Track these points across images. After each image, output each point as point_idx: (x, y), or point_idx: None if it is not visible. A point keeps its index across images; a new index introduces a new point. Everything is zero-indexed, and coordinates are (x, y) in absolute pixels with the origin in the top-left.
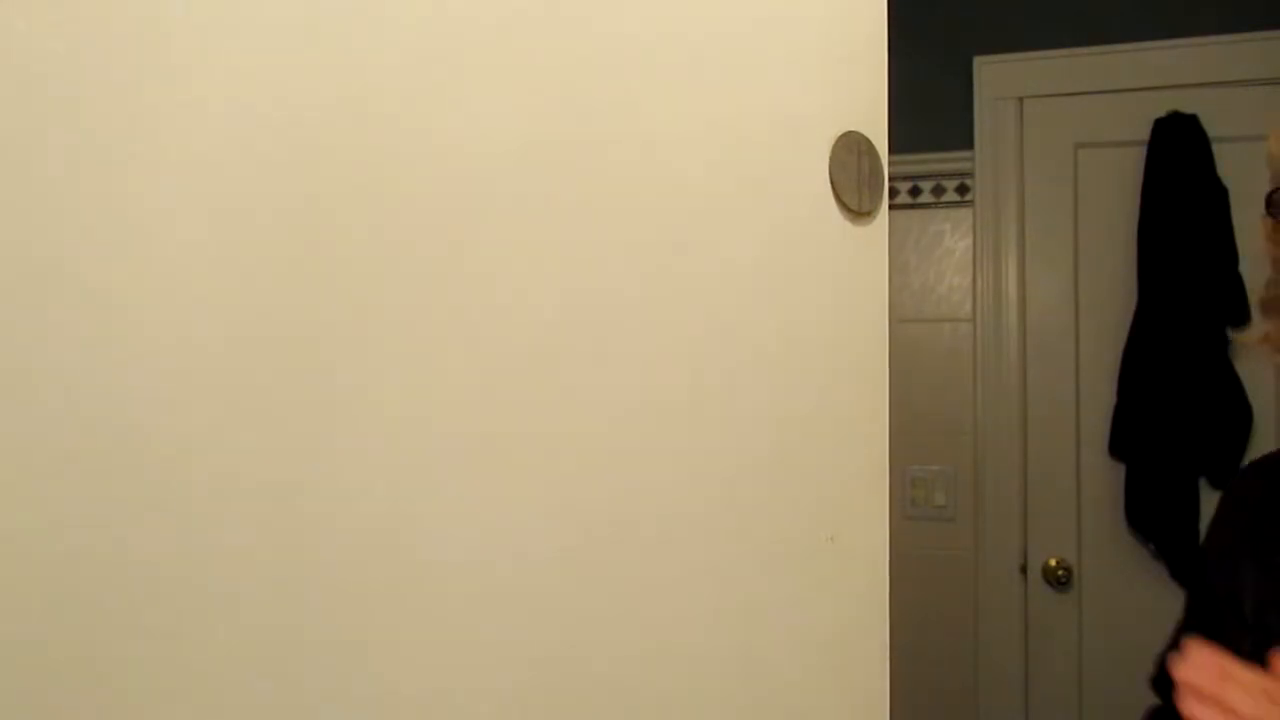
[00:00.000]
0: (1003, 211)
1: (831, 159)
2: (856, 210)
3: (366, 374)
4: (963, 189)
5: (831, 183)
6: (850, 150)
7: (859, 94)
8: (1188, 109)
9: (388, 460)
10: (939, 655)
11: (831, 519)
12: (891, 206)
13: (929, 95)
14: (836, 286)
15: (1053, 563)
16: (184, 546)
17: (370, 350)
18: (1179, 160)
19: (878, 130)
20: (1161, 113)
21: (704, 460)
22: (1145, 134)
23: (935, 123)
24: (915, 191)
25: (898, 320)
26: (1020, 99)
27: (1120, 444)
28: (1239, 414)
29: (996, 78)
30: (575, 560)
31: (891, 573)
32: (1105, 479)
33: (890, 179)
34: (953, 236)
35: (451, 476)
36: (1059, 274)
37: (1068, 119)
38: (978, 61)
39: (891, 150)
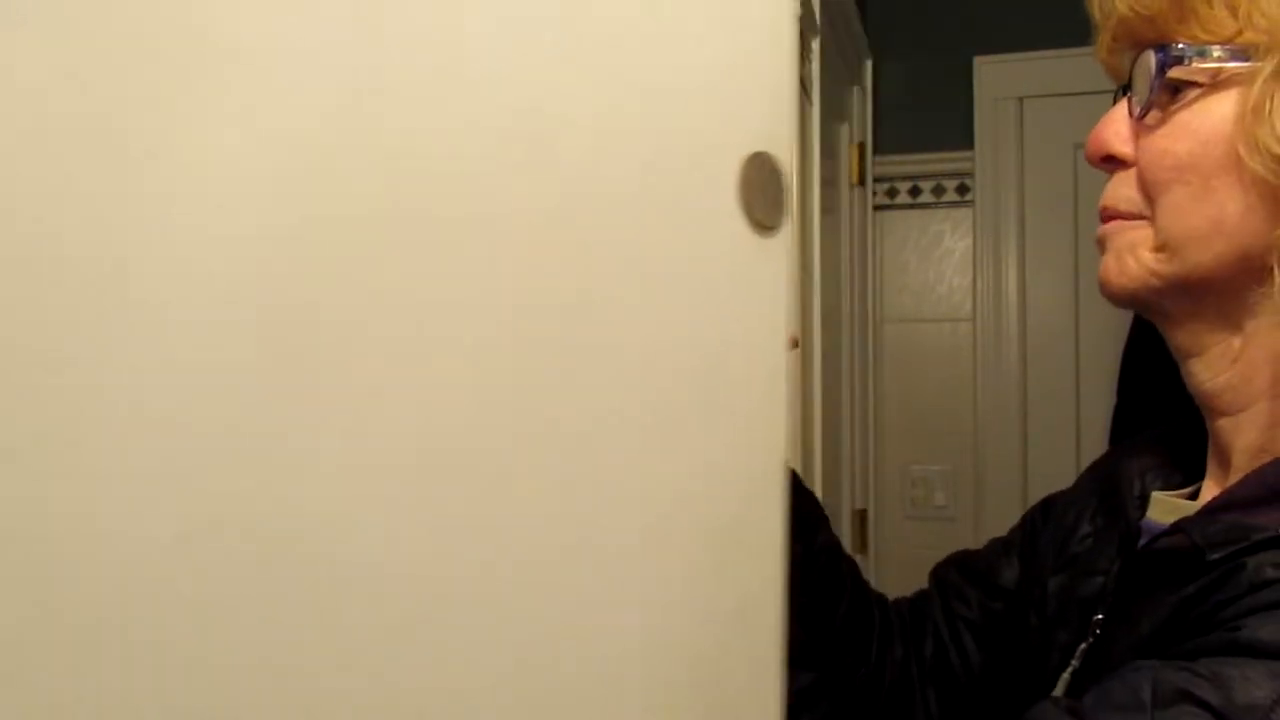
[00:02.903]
0: (1003, 211)
1: (740, 178)
2: (763, 224)
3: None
4: (963, 189)
5: (740, 200)
6: (758, 169)
7: (765, 121)
8: None
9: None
10: None
11: (732, 515)
12: (891, 207)
13: (929, 95)
14: (746, 294)
15: None
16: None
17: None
18: None
19: (782, 151)
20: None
21: (607, 471)
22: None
23: (935, 123)
24: (915, 191)
25: (898, 320)
26: (1020, 99)
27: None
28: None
29: (996, 78)
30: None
31: (891, 572)
32: None
33: (890, 179)
34: (953, 236)
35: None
36: (1059, 274)
37: (1068, 119)
38: (978, 61)
39: (891, 150)
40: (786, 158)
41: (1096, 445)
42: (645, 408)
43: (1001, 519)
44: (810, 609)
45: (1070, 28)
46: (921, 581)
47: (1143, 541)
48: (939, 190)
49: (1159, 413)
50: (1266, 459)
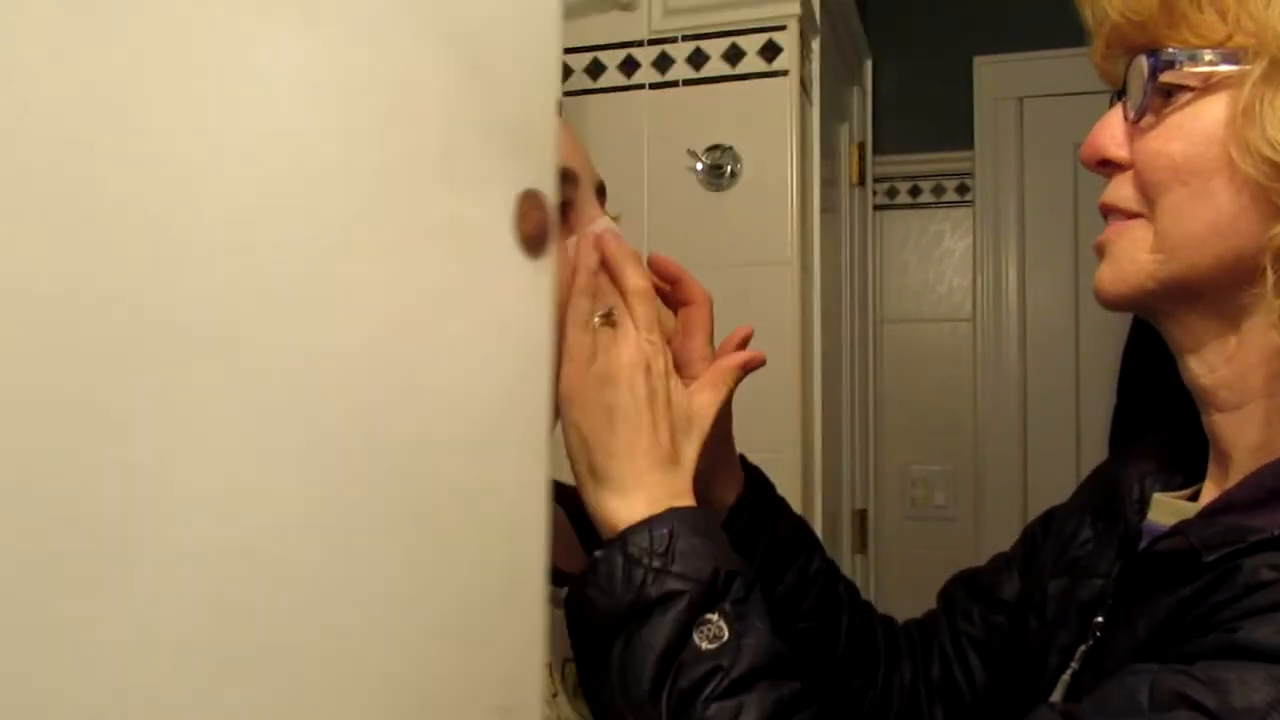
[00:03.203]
0: (1003, 211)
1: (516, 212)
2: (533, 253)
3: None
4: (963, 189)
5: (516, 231)
6: (530, 204)
7: (535, 163)
8: None
9: None
10: None
11: (503, 517)
12: (891, 207)
13: (929, 95)
14: (516, 310)
15: None
16: None
17: None
18: None
19: (549, 187)
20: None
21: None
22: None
23: (935, 123)
24: (915, 191)
25: (898, 320)
26: (1020, 99)
27: (1120, 444)
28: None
29: (996, 78)
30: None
31: (891, 573)
32: None
33: (890, 179)
34: (953, 236)
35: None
36: (1059, 274)
37: (1068, 119)
38: (978, 61)
39: (891, 150)
40: (553, 191)
41: (1096, 445)
42: (421, 411)
43: (1001, 519)
44: (809, 635)
45: (1070, 28)
46: (921, 581)
47: (1143, 544)
48: (939, 190)
49: (1159, 413)
50: (1265, 456)
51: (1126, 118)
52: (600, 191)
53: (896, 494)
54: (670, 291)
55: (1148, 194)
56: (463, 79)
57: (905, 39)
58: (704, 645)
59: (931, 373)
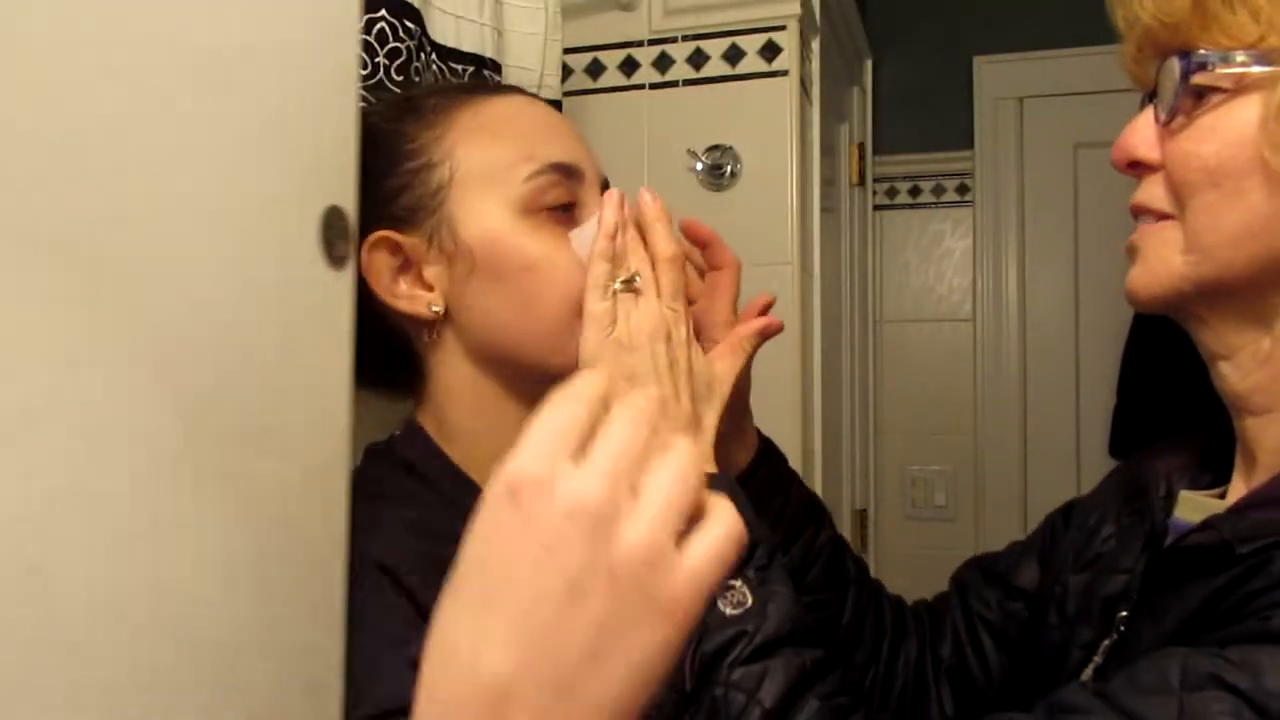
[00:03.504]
0: (1003, 211)
1: (321, 226)
2: (336, 263)
3: None
4: (963, 189)
5: (322, 243)
6: (334, 219)
7: (337, 182)
8: None
9: None
10: None
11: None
12: (891, 206)
13: (929, 95)
14: (321, 319)
15: None
16: None
17: None
18: None
19: (351, 205)
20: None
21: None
22: None
23: (935, 123)
24: (915, 191)
25: (898, 320)
26: (1020, 99)
27: (1120, 444)
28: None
29: (996, 78)
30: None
31: (891, 573)
32: None
33: (890, 179)
34: (953, 236)
35: None
36: (1059, 274)
37: (1068, 119)
38: (978, 61)
39: (891, 150)
40: (353, 210)
41: (1096, 445)
42: (237, 412)
43: (1001, 519)
44: (814, 607)
45: (1070, 28)
46: (921, 581)
47: (1170, 539)
48: (939, 190)
49: (1159, 413)
50: None
51: (1157, 120)
52: (604, 189)
53: (896, 494)
54: (701, 254)
55: (1179, 195)
56: (270, 105)
57: (905, 39)
58: (728, 610)
59: (931, 373)
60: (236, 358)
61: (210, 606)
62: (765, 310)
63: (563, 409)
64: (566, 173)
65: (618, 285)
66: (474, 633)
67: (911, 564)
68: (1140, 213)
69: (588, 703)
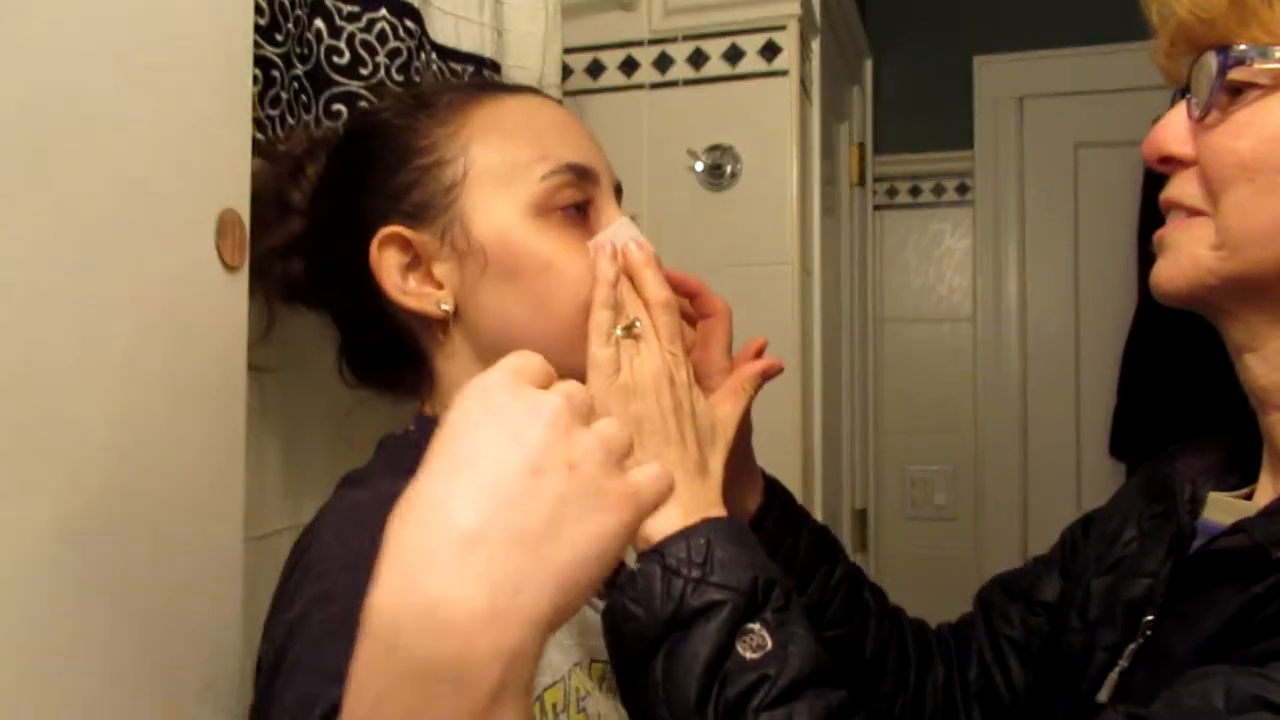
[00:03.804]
0: (1003, 211)
1: (217, 230)
2: (230, 265)
3: None
4: (963, 189)
5: (216, 246)
6: (228, 223)
7: (232, 185)
8: None
9: None
10: None
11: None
12: (891, 206)
13: (929, 95)
14: (214, 321)
15: None
16: None
17: None
18: None
19: (244, 208)
20: (1161, 113)
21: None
22: (1145, 134)
23: (935, 123)
24: (915, 191)
25: (898, 320)
26: (1020, 99)
27: (1120, 444)
28: (1239, 413)
29: (996, 78)
30: None
31: (891, 573)
32: (1105, 479)
33: (890, 179)
34: (953, 236)
35: None
36: (1059, 274)
37: (1068, 119)
38: (978, 61)
39: (891, 150)
40: (247, 212)
41: (1097, 445)
42: (134, 408)
43: (1001, 519)
44: (836, 642)
45: (1070, 28)
46: (921, 581)
47: (1199, 542)
48: (939, 190)
49: (1159, 413)
50: None
51: (1191, 115)
52: (617, 191)
53: (896, 494)
54: (689, 305)
55: (1212, 190)
56: (160, 109)
57: (905, 39)
58: (748, 655)
59: (931, 373)
60: (130, 359)
61: (119, 633)
62: (760, 353)
63: (528, 356)
64: (581, 173)
65: (619, 332)
66: (445, 492)
67: (911, 564)
68: (1171, 208)
69: (546, 559)
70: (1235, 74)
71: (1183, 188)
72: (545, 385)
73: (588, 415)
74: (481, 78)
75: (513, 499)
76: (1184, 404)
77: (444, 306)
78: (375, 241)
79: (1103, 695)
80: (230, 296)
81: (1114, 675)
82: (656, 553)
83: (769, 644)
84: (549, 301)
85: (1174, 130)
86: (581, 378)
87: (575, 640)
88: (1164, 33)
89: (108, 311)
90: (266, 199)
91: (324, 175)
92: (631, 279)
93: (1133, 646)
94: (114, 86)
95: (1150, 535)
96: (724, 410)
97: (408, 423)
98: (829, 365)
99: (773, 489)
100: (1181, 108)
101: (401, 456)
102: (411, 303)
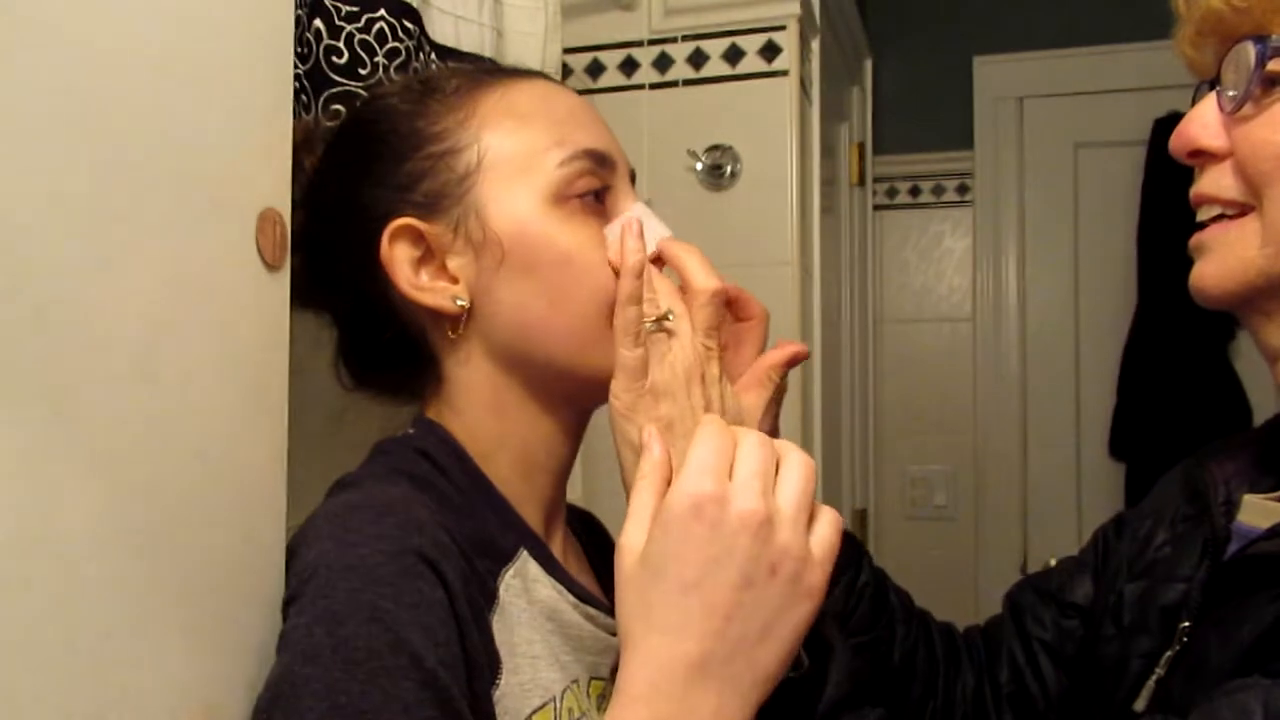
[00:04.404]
0: (1003, 211)
1: (257, 229)
2: (272, 264)
3: None
4: (963, 189)
5: (257, 245)
6: (268, 221)
7: (272, 184)
8: (1188, 109)
9: None
10: None
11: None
12: (891, 206)
13: (929, 95)
14: (255, 320)
15: (1053, 562)
16: None
17: None
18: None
19: (285, 206)
20: (1161, 113)
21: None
22: (1145, 134)
23: (935, 123)
24: (915, 191)
25: (898, 320)
26: (1020, 99)
27: (1120, 444)
28: (1239, 413)
29: (996, 78)
30: None
31: (892, 572)
32: (1105, 479)
33: (890, 179)
34: (953, 236)
35: None
36: (1059, 274)
37: (1068, 119)
38: (978, 61)
39: (891, 150)
40: (288, 211)
41: (1097, 445)
42: (176, 409)
43: (1001, 519)
44: (863, 648)
45: (1070, 28)
46: (921, 581)
47: (1235, 546)
48: (939, 190)
49: (1159, 413)
50: None
51: (1222, 107)
52: (631, 178)
53: (896, 494)
54: (730, 309)
55: (1254, 184)
56: (201, 107)
57: (905, 39)
58: (788, 674)
59: (931, 373)
60: (173, 361)
61: (121, 643)
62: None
63: (714, 436)
64: (599, 160)
65: (649, 325)
66: (680, 615)
67: (912, 564)
68: (1204, 202)
69: (759, 666)
70: (1275, 64)
71: (1218, 181)
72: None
73: (771, 475)
74: (487, 63)
75: (731, 613)
76: (1184, 404)
77: (460, 302)
78: (386, 234)
79: (1140, 704)
80: (271, 295)
81: (1151, 684)
82: None
83: (805, 661)
84: (569, 296)
85: (1205, 122)
86: (598, 375)
87: (573, 656)
88: (1190, 21)
89: (148, 310)
90: None
91: (323, 166)
92: (675, 269)
93: (1169, 654)
94: (155, 84)
95: (1183, 539)
96: (748, 399)
97: (405, 425)
98: (829, 365)
99: None
100: (1211, 99)
101: (399, 461)
102: (426, 299)
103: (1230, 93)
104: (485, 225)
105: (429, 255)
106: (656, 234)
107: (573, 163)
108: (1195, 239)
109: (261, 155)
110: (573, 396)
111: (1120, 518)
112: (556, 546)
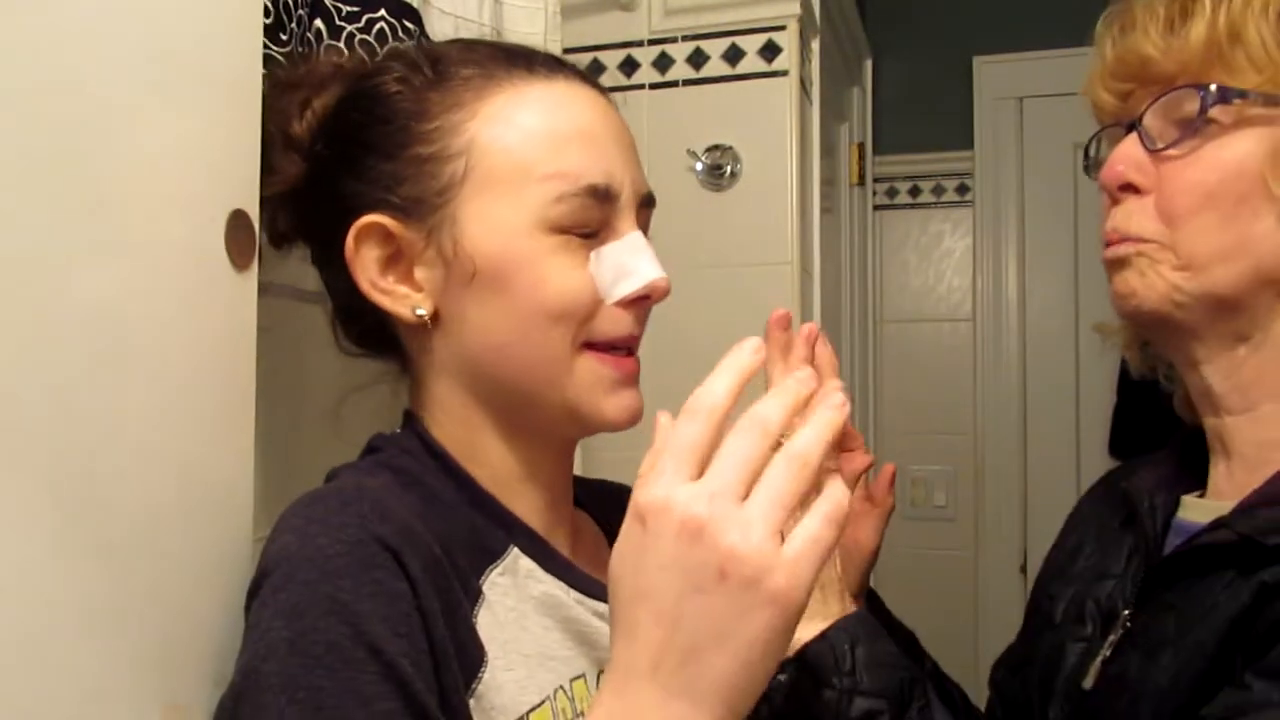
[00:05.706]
0: (1003, 211)
1: (225, 230)
2: (239, 265)
3: None
4: (963, 189)
5: (225, 246)
6: (237, 222)
7: (242, 186)
8: None
9: None
10: (938, 655)
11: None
12: (891, 206)
13: (929, 95)
14: (223, 321)
15: None
16: None
17: None
18: None
19: (253, 209)
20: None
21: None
22: None
23: (935, 123)
24: (915, 191)
25: (898, 320)
26: (1020, 99)
27: (1120, 444)
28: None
29: (996, 78)
30: None
31: (891, 573)
32: None
33: (890, 179)
34: (953, 236)
35: None
36: (1059, 274)
37: (1068, 119)
38: (978, 61)
39: (891, 150)
40: (256, 214)
41: (1096, 446)
42: (142, 409)
43: (1001, 519)
44: None
45: (1070, 28)
46: (921, 581)
47: (1179, 540)
48: (939, 190)
49: (1159, 413)
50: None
51: (1146, 147)
52: (646, 203)
53: (896, 494)
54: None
55: (1172, 218)
56: (170, 111)
57: (905, 39)
58: None
59: (931, 373)
60: (139, 362)
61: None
62: (890, 480)
63: (686, 428)
64: (603, 197)
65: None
66: (630, 623)
67: (911, 564)
68: (1121, 240)
69: (715, 673)
70: (1215, 112)
71: (1136, 219)
72: (713, 445)
73: (752, 475)
74: (512, 45)
75: (680, 618)
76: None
77: (419, 312)
78: (353, 231)
79: (1088, 683)
80: (239, 297)
81: (1097, 664)
82: (799, 660)
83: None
84: (537, 323)
85: (1136, 160)
86: (568, 409)
87: (578, 650)
88: (1118, 68)
89: (116, 311)
90: (270, 132)
91: (319, 133)
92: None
93: (1113, 638)
94: (125, 88)
95: (1109, 544)
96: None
97: (399, 422)
98: None
99: (870, 591)
100: (1134, 139)
101: (388, 456)
102: (385, 302)
103: (1160, 136)
104: (458, 240)
105: (398, 257)
106: (648, 273)
107: (572, 199)
108: (1108, 255)
109: (230, 158)
110: (542, 427)
111: (1048, 559)
112: (561, 538)
